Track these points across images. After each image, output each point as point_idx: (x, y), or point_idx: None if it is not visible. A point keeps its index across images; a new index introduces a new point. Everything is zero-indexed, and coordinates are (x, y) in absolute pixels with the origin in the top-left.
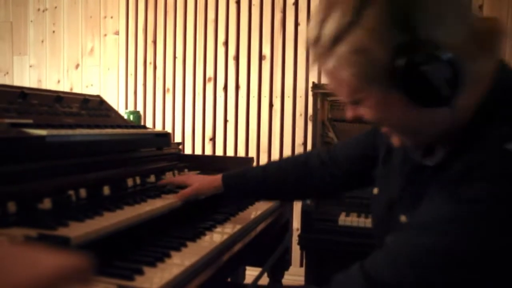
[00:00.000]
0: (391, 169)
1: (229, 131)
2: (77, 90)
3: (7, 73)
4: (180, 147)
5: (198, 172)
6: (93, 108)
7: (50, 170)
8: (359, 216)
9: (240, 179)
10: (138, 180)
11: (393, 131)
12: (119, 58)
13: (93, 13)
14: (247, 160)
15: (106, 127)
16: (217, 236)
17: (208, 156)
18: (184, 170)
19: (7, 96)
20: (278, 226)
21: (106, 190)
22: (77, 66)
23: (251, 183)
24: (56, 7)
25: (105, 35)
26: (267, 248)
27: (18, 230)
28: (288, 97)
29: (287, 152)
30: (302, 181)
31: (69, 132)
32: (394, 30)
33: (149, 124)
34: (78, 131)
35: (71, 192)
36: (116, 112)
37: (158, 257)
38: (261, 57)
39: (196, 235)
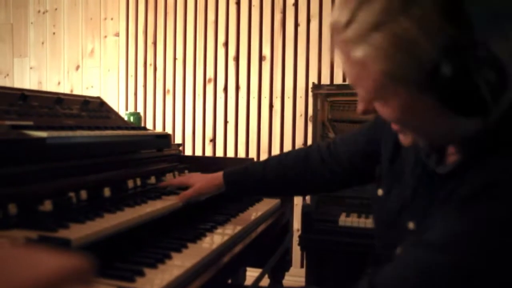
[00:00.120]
0: (399, 170)
1: (229, 132)
2: (77, 91)
3: (8, 75)
4: (181, 148)
5: (198, 173)
6: (94, 110)
7: (51, 172)
8: (359, 216)
9: (241, 176)
10: (138, 182)
11: (409, 131)
12: (119, 59)
13: (93, 15)
14: (247, 161)
15: (106, 128)
16: (217, 237)
17: (208, 157)
18: (185, 171)
19: (7, 98)
20: (279, 227)
21: (107, 191)
22: (77, 67)
23: (252, 179)
24: (56, 9)
25: (105, 36)
26: (267, 249)
27: (18, 232)
28: (288, 97)
29: None
30: (302, 177)
31: (70, 134)
32: (445, 24)
33: (149, 125)
34: (79, 133)
35: (71, 194)
36: (116, 114)
37: (158, 258)
38: (261, 58)
39: (196, 236)
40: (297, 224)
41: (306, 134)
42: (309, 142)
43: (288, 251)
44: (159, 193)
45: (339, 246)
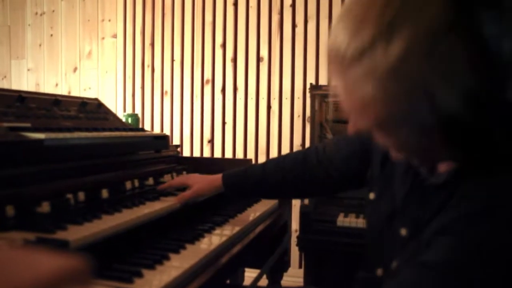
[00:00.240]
0: (390, 174)
1: (227, 133)
2: (75, 93)
3: (5, 77)
4: (179, 149)
5: (196, 174)
6: (91, 111)
7: (49, 174)
8: (357, 217)
9: (240, 178)
10: (136, 183)
11: (403, 154)
12: (117, 61)
13: (91, 17)
14: (246, 162)
15: (104, 130)
16: (216, 238)
17: (206, 158)
18: (183, 173)
19: (5, 100)
20: (277, 227)
21: (105, 193)
22: (75, 69)
23: (251, 182)
24: (53, 11)
25: (103, 38)
26: (266, 249)
27: (16, 234)
28: (286, 98)
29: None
30: (300, 179)
31: (67, 135)
32: (469, 71)
33: (147, 126)
34: (76, 134)
35: (69, 196)
36: (114, 115)
37: (157, 259)
38: (258, 59)
39: (195, 237)
40: (295, 224)
41: (304, 135)
42: (307, 143)
43: (287, 252)
44: (157, 194)
45: (337, 246)
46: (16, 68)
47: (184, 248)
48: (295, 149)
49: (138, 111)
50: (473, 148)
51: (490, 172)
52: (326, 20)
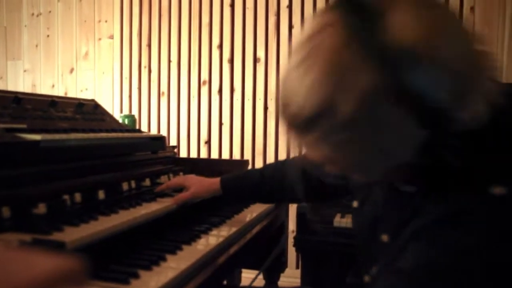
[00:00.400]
0: (374, 183)
1: (224, 134)
2: (71, 94)
3: (1, 78)
4: (175, 150)
5: (193, 175)
6: (88, 112)
7: (45, 175)
8: None
9: (238, 183)
10: (133, 184)
11: None
12: (113, 62)
13: (88, 17)
14: (243, 162)
15: (101, 131)
16: (212, 239)
17: (203, 159)
18: (179, 174)
19: (1, 101)
20: (274, 228)
21: (101, 194)
22: (71, 70)
23: (249, 187)
24: (50, 12)
25: (100, 39)
26: (263, 250)
27: (12, 235)
28: None
29: (282, 154)
30: (298, 184)
31: (64, 136)
32: (419, 127)
33: (144, 128)
34: (73, 136)
35: (66, 197)
36: (111, 116)
37: (153, 260)
38: (255, 60)
39: (191, 238)
40: (292, 225)
41: None
42: None
43: (284, 252)
44: (153, 195)
45: (334, 247)
46: (12, 69)
47: (180, 249)
48: (292, 150)
49: (135, 112)
50: (432, 174)
51: (454, 183)
52: None
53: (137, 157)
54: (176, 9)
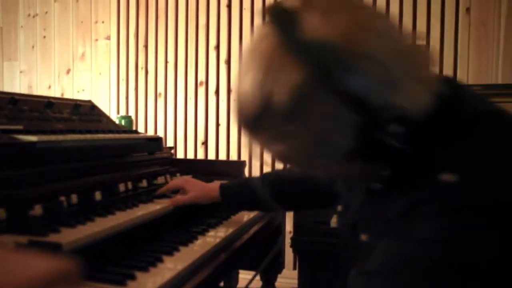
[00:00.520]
0: (354, 186)
1: (221, 135)
2: (68, 95)
3: None
4: (172, 151)
5: (190, 176)
6: (85, 114)
7: (41, 176)
8: None
9: (237, 190)
10: (130, 185)
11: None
12: (110, 63)
13: (84, 18)
14: (240, 163)
15: (97, 132)
16: (209, 240)
17: (200, 160)
18: (177, 175)
19: None
20: (271, 229)
21: (98, 195)
22: (68, 71)
23: (248, 195)
24: (46, 12)
25: (96, 40)
26: (260, 251)
27: (8, 237)
28: None
29: None
30: (297, 193)
31: (60, 138)
32: (351, 113)
33: (141, 129)
34: (69, 137)
35: (62, 198)
36: (107, 117)
37: (150, 261)
38: None
39: (188, 239)
40: (289, 226)
41: None
42: None
43: (281, 253)
44: (151, 196)
45: (331, 247)
46: (9, 70)
47: (177, 250)
48: None
49: (131, 113)
50: (388, 167)
51: (408, 175)
52: None
53: (134, 158)
54: (173, 10)
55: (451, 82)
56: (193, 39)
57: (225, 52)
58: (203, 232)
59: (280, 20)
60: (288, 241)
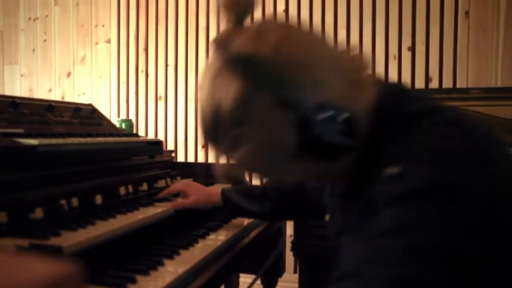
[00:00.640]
0: (332, 194)
1: None
2: (68, 98)
3: None
4: (173, 154)
5: (191, 180)
6: (85, 117)
7: (42, 180)
8: None
9: (239, 197)
10: (130, 189)
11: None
12: (110, 66)
13: (85, 22)
14: None
15: (98, 135)
16: (210, 243)
17: (201, 164)
18: (177, 178)
19: None
20: (271, 232)
21: (99, 199)
22: (68, 74)
23: (250, 203)
24: (47, 16)
25: (97, 43)
26: (260, 254)
27: (9, 240)
28: None
29: None
30: (300, 201)
31: (61, 141)
32: (285, 113)
33: (141, 132)
34: (70, 140)
35: (63, 202)
36: (108, 121)
37: (151, 265)
38: None
39: (189, 243)
40: (290, 229)
41: None
42: None
43: (281, 257)
44: (151, 199)
45: (332, 251)
46: (9, 73)
47: (178, 253)
48: None
49: (132, 116)
50: (335, 156)
51: (359, 175)
52: (319, 26)
53: (134, 162)
54: (173, 13)
55: (393, 86)
56: (193, 42)
57: None
58: (203, 236)
59: (220, 45)
60: (288, 244)
